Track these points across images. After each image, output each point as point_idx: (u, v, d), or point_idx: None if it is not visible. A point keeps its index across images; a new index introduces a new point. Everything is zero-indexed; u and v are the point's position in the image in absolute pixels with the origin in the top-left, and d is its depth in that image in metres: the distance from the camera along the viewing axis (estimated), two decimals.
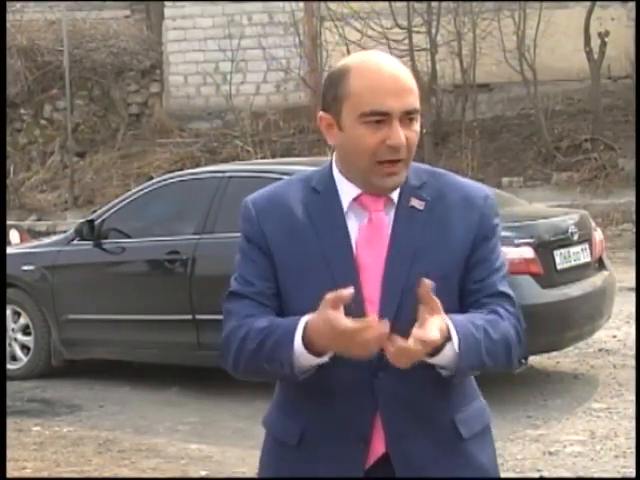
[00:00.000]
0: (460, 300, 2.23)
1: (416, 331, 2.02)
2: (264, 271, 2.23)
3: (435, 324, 2.04)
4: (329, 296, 2.03)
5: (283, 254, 2.22)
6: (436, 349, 2.06)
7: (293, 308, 2.20)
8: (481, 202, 2.26)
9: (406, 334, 2.13)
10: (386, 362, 2.12)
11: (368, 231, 2.21)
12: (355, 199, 2.23)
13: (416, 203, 2.23)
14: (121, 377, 7.75)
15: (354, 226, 2.22)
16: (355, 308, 2.13)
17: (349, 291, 2.02)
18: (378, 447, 2.18)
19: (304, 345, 2.08)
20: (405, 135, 2.16)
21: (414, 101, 2.18)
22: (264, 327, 2.15)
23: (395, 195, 2.23)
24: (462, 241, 2.22)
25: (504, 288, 2.25)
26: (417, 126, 2.20)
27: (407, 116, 2.17)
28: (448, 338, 2.08)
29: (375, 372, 2.16)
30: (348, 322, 2.01)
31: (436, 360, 2.09)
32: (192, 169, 10.13)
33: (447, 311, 2.14)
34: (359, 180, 2.22)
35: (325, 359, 2.09)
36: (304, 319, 2.09)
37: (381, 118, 2.15)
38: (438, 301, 2.06)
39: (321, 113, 2.25)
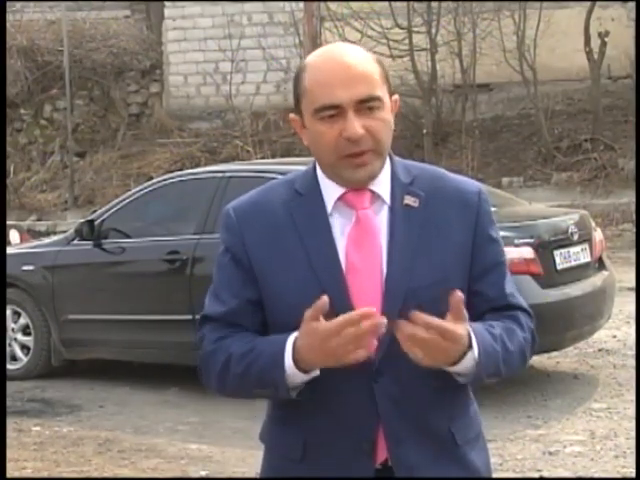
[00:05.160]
0: (470, 305, 2.13)
1: (441, 322, 1.97)
2: (237, 286, 2.18)
3: (461, 327, 2.00)
4: (308, 312, 1.97)
5: (264, 262, 2.15)
6: (459, 357, 2.02)
7: (280, 316, 2.14)
8: (475, 198, 2.19)
9: None
10: (385, 367, 2.10)
11: (357, 231, 2.13)
12: (340, 198, 2.15)
13: (410, 201, 2.15)
14: (121, 377, 7.74)
15: (340, 227, 2.15)
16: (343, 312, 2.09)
17: (324, 300, 1.95)
18: (382, 451, 2.15)
19: (295, 365, 2.03)
20: (365, 125, 2.05)
21: (368, 88, 2.06)
22: (247, 351, 2.09)
23: (383, 192, 2.16)
24: (461, 242, 2.16)
25: (522, 301, 2.21)
26: (384, 113, 2.09)
27: (364, 105, 2.06)
28: (469, 346, 2.03)
29: (374, 377, 2.11)
30: (333, 322, 1.95)
31: (457, 368, 2.05)
32: (192, 169, 10.13)
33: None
34: (335, 177, 2.14)
35: (316, 373, 2.04)
36: (290, 339, 2.02)
37: (333, 112, 2.06)
38: (466, 314, 2.01)
39: (291, 115, 2.19)
